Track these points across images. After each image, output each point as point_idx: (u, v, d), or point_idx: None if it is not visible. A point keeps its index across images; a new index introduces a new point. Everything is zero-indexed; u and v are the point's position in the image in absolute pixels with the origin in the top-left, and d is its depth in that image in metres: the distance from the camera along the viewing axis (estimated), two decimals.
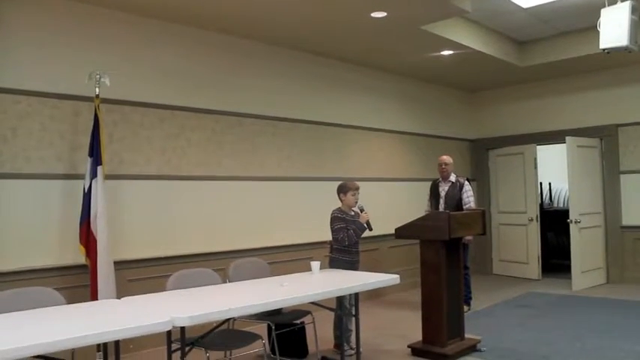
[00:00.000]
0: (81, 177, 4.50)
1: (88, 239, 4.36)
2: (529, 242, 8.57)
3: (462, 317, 4.89)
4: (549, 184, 10.60)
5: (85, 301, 3.64)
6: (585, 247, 7.68)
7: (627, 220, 7.90)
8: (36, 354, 2.29)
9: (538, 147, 8.62)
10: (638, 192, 7.81)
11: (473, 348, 4.77)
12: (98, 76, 4.49)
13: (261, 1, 4.93)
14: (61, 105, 4.60)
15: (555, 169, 9.94)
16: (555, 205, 10.61)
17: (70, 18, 4.68)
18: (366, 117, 7.45)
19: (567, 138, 7.72)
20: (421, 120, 8.41)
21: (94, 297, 4.27)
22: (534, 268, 8.50)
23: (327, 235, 4.99)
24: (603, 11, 5.31)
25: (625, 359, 4.45)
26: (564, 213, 8.09)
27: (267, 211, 6.07)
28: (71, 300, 3.36)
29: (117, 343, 2.97)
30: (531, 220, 8.54)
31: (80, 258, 4.41)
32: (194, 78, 5.52)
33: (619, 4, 5.22)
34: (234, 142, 5.83)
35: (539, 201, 9.17)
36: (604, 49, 5.34)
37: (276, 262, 5.46)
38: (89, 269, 4.35)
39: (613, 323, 5.62)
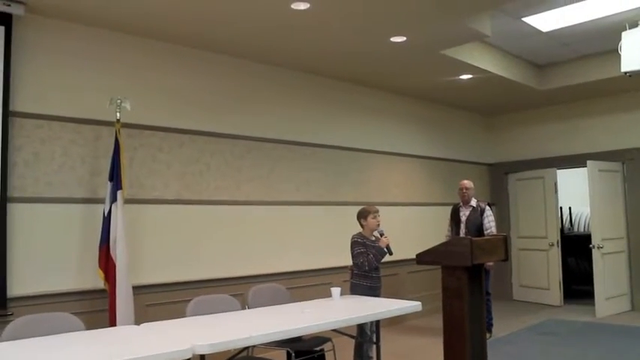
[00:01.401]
0: (101, 201, 4.51)
1: (107, 263, 4.35)
2: (550, 268, 8.43)
3: (484, 345, 4.76)
4: (569, 208, 10.46)
5: (103, 326, 3.62)
6: (608, 272, 7.53)
7: None
8: None
9: (558, 171, 8.53)
10: None
11: None
12: (119, 100, 4.53)
13: (280, 27, 4.96)
14: (82, 129, 4.63)
15: (575, 193, 9.81)
16: (576, 229, 10.45)
17: (91, 43, 4.74)
18: (385, 141, 7.43)
19: (588, 162, 7.63)
20: (440, 144, 8.37)
21: (112, 322, 4.24)
22: (556, 294, 8.34)
23: (346, 260, 4.94)
24: (624, 34, 5.28)
25: None
26: (586, 238, 7.95)
27: (286, 235, 6.03)
28: (90, 325, 3.34)
29: None
30: (552, 245, 8.41)
31: (99, 282, 4.40)
32: (213, 103, 5.54)
33: None
34: (252, 166, 5.82)
35: (560, 225, 9.04)
36: (626, 72, 5.29)
37: (296, 288, 5.41)
38: (108, 294, 4.33)
39: None
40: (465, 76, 6.83)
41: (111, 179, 4.44)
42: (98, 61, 4.77)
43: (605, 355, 5.45)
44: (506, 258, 5.06)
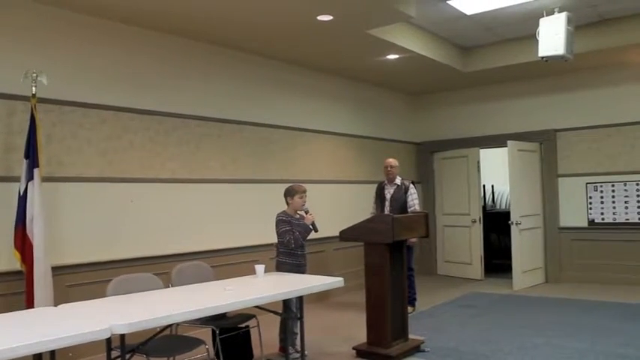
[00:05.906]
0: (16, 179, 4.32)
1: (23, 244, 4.20)
2: (472, 243, 8.78)
3: (406, 318, 4.95)
4: (492, 186, 10.87)
5: (20, 309, 3.51)
6: (525, 247, 7.92)
7: (564, 221, 8.19)
8: None
9: (481, 150, 8.84)
10: (574, 194, 8.12)
11: (417, 348, 4.84)
12: (34, 74, 4.33)
13: (206, 1, 4.86)
14: None
15: (498, 171, 10.20)
16: (498, 207, 10.89)
17: (4, 14, 4.50)
18: (313, 119, 7.46)
19: (509, 142, 7.95)
20: (367, 123, 8.49)
21: (30, 304, 4.11)
22: (477, 269, 8.70)
23: (272, 238, 4.96)
24: (542, 21, 5.51)
25: (563, 356, 4.60)
26: (506, 214, 8.30)
27: (212, 213, 6.00)
28: (6, 308, 3.24)
29: (52, 352, 2.87)
30: (474, 221, 8.75)
31: (15, 264, 4.25)
32: (137, 78, 5.40)
33: (556, 15, 5.42)
34: (178, 144, 5.73)
35: (483, 203, 9.39)
36: (543, 57, 5.54)
37: (221, 266, 5.42)
38: (25, 275, 4.20)
39: (552, 321, 5.80)
40: (391, 57, 6.93)
41: (27, 157, 4.26)
42: (13, 33, 4.53)
43: (519, 323, 5.76)
44: (427, 234, 5.25)
